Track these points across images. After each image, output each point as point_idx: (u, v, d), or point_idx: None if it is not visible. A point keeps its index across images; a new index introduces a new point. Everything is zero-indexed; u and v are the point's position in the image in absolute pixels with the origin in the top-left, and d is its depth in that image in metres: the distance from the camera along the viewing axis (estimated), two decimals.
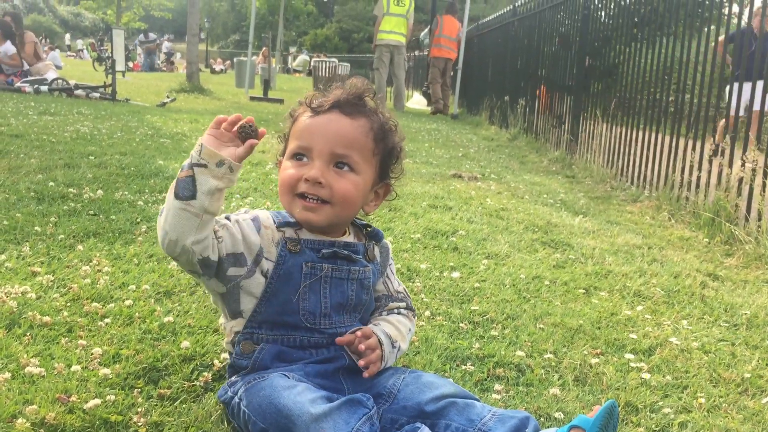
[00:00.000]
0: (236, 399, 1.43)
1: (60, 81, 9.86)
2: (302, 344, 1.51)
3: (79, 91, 9.56)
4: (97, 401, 1.48)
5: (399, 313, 1.69)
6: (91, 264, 2.40)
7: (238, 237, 1.45)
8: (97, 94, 9.60)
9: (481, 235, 3.49)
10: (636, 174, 5.64)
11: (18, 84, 9.59)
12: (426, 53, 15.03)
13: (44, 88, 9.40)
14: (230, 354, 1.56)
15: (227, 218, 1.47)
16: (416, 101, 17.19)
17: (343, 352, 1.53)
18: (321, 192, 1.45)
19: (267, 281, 1.48)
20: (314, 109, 1.51)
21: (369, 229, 1.64)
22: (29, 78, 9.95)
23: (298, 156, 1.49)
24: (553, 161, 7.14)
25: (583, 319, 2.38)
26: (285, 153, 1.55)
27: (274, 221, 1.50)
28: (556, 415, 1.66)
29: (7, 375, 1.56)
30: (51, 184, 3.51)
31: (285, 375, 1.41)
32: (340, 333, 1.54)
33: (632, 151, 5.79)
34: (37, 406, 1.44)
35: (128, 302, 2.09)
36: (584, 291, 2.74)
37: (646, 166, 5.48)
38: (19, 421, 1.39)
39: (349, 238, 1.58)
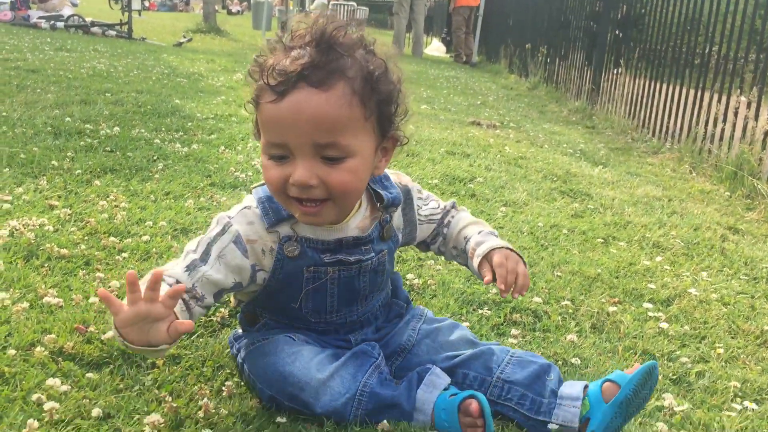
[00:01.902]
0: (239, 359, 1.40)
1: (76, 18, 9.76)
2: (308, 329, 1.40)
3: (95, 29, 9.46)
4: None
5: (456, 217, 1.56)
6: (108, 199, 2.39)
7: (221, 276, 1.25)
8: (113, 32, 9.50)
9: (499, 183, 3.45)
10: (658, 126, 5.54)
11: (34, 20, 9.50)
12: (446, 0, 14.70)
13: (60, 24, 9.31)
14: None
15: (204, 261, 1.25)
16: (435, 48, 16.90)
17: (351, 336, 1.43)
18: (315, 193, 1.20)
19: (264, 288, 1.35)
20: (275, 89, 1.17)
21: (382, 202, 1.38)
22: (45, 14, 9.85)
23: (275, 155, 1.21)
24: (574, 111, 7.02)
25: (601, 268, 2.35)
26: (262, 143, 1.24)
27: (263, 222, 1.29)
28: (573, 360, 1.65)
29: (26, 305, 1.56)
30: (67, 119, 3.49)
31: (290, 337, 1.35)
32: (352, 321, 1.42)
33: (655, 103, 5.67)
34: (56, 336, 1.44)
35: (145, 238, 2.08)
36: (602, 241, 2.71)
37: (669, 118, 5.37)
38: (38, 349, 1.40)
39: (359, 219, 1.35)
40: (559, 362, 1.65)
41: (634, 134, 5.77)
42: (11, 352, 1.38)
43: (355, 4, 19.93)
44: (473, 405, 1.26)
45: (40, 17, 9.64)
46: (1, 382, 1.29)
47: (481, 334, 1.75)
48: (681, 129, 5.16)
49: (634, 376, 1.28)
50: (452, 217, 1.55)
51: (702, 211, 3.46)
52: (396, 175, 1.47)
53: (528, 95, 8.44)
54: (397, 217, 1.45)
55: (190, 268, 1.24)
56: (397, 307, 1.53)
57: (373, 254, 1.37)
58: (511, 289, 1.38)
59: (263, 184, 1.31)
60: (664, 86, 5.54)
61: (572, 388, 1.35)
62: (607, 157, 4.70)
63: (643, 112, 5.90)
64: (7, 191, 2.34)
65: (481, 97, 7.54)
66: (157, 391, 1.33)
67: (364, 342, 1.40)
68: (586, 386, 1.35)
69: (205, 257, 1.25)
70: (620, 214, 3.16)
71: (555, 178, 3.73)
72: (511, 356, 1.40)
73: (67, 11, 10.33)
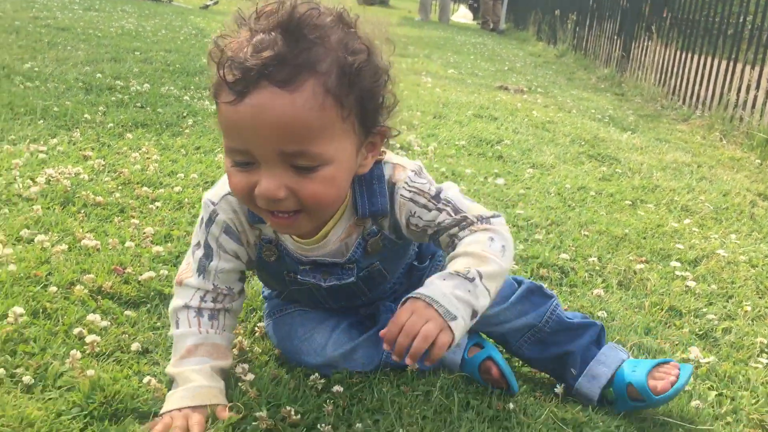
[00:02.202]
0: (265, 323, 1.39)
1: None
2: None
3: None
4: (152, 274, 1.52)
5: (461, 237, 1.16)
6: (140, 152, 2.43)
7: (231, 264, 1.21)
8: None
9: (527, 146, 3.43)
10: (689, 93, 5.45)
11: None
12: None
13: None
14: None
15: (209, 257, 1.20)
16: (462, 15, 16.68)
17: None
18: (286, 205, 1.04)
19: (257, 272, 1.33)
20: (234, 88, 0.98)
21: (363, 215, 1.18)
22: None
23: (239, 161, 1.04)
24: (602, 79, 6.93)
25: (629, 229, 2.35)
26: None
27: (247, 216, 1.19)
28: (600, 314, 1.67)
29: (64, 247, 1.60)
30: (98, 75, 3.53)
31: (304, 314, 1.33)
32: (359, 305, 1.35)
33: (686, 71, 5.57)
34: (94, 276, 1.48)
35: (177, 189, 2.11)
36: (630, 203, 2.70)
37: (700, 85, 5.28)
38: (78, 287, 1.44)
39: (341, 231, 1.19)
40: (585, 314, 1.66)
41: (664, 102, 5.69)
42: (52, 289, 1.42)
43: None
44: (493, 370, 1.28)
45: None
46: (43, 316, 1.33)
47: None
48: (712, 97, 5.08)
49: (663, 399, 1.25)
50: (452, 234, 1.17)
51: (732, 177, 3.42)
52: (394, 168, 1.18)
53: (556, 62, 8.33)
54: (385, 232, 1.23)
55: (201, 270, 1.20)
56: (419, 272, 1.37)
57: (354, 274, 1.23)
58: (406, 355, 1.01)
59: None
60: (696, 56, 5.44)
61: (599, 368, 1.31)
62: (635, 124, 4.65)
63: (673, 80, 5.81)
64: (42, 142, 2.39)
65: (508, 63, 7.46)
66: None
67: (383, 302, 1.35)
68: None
69: (209, 252, 1.20)
70: (648, 178, 3.13)
71: (583, 143, 3.70)
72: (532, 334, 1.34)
73: None
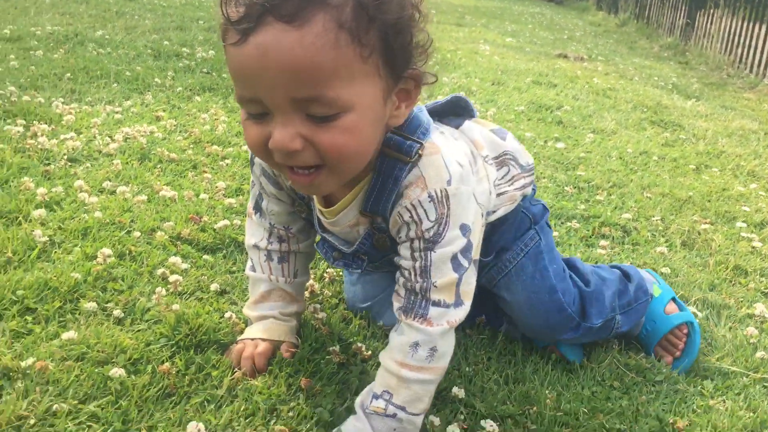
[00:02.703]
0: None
1: None
2: None
3: None
4: (226, 222, 1.59)
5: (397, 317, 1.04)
6: (208, 113, 2.51)
7: (280, 207, 1.19)
8: None
9: (587, 112, 3.40)
10: (756, 61, 5.28)
11: None
12: None
13: None
14: None
15: (261, 196, 1.19)
16: None
17: None
18: (304, 158, 0.91)
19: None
20: (237, 27, 0.87)
21: (364, 210, 1.06)
22: None
23: (252, 112, 0.92)
24: (665, 47, 6.76)
25: (693, 192, 2.33)
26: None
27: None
28: (663, 270, 1.67)
29: (144, 197, 1.69)
30: (165, 43, 3.63)
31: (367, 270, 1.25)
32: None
33: (754, 39, 5.39)
34: (173, 223, 1.57)
35: (245, 147, 2.19)
36: (694, 168, 2.66)
37: None
38: (159, 233, 1.52)
39: (352, 214, 1.07)
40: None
41: (730, 70, 5.53)
42: (136, 234, 1.51)
43: None
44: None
45: None
46: (129, 258, 1.42)
47: (569, 244, 1.79)
48: None
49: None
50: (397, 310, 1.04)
51: None
52: (418, 179, 0.99)
53: (617, 31, 8.14)
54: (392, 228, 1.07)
55: (257, 208, 1.20)
56: (480, 265, 1.18)
57: (362, 267, 1.16)
58: None
59: None
60: (764, 25, 5.25)
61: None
62: (700, 91, 4.54)
63: (740, 49, 5.63)
64: (116, 104, 2.49)
65: (567, 32, 7.33)
66: None
67: None
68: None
69: (260, 192, 1.19)
70: (713, 144, 3.08)
71: (645, 109, 3.65)
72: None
73: None
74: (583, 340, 1.28)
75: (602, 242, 1.81)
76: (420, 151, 0.99)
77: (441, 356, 1.01)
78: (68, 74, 2.76)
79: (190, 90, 2.82)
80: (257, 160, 1.14)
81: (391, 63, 0.92)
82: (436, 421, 1.02)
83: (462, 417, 1.06)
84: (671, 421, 1.11)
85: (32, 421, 0.95)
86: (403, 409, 0.98)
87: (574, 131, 3.00)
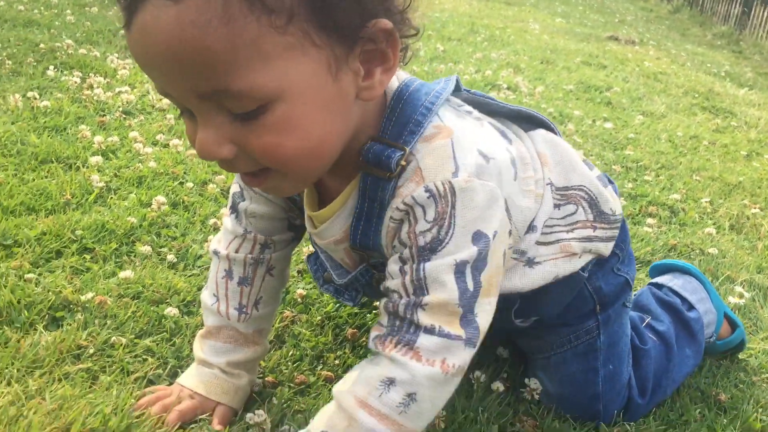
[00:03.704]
0: None
1: None
2: None
3: None
4: None
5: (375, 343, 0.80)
6: None
7: (267, 208, 0.94)
8: None
9: (637, 95, 3.35)
10: None
11: None
12: None
13: None
14: None
15: (242, 196, 0.95)
16: None
17: None
18: (243, 165, 0.73)
19: None
20: (122, 6, 0.68)
21: (353, 245, 0.84)
22: None
23: (180, 110, 0.74)
24: (719, 36, 6.59)
25: (743, 177, 2.28)
26: None
27: None
28: (710, 250, 1.65)
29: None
30: None
31: None
32: None
33: None
34: (224, 177, 1.59)
35: None
36: (746, 154, 2.61)
37: None
38: (210, 186, 1.55)
39: (342, 222, 0.83)
40: (696, 251, 1.66)
41: None
42: (189, 185, 1.54)
43: None
44: None
45: None
46: (182, 208, 1.45)
47: None
48: None
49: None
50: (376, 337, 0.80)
51: None
52: (414, 173, 0.76)
53: (669, 18, 7.96)
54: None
55: (234, 208, 0.96)
56: (506, 314, 0.97)
57: (357, 302, 0.95)
58: None
59: None
60: None
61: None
62: (754, 81, 4.43)
63: None
64: None
65: (618, 15, 7.20)
66: None
67: None
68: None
69: (241, 190, 0.95)
70: (766, 133, 3.01)
71: (696, 95, 3.57)
72: None
73: None
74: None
75: (649, 220, 1.80)
76: (402, 161, 0.75)
77: (419, 412, 0.75)
78: (122, 31, 2.80)
79: None
80: None
81: (331, 23, 0.68)
82: (482, 377, 1.04)
83: (505, 376, 1.07)
84: (713, 393, 1.11)
85: (91, 351, 0.99)
86: None
87: (623, 112, 2.96)
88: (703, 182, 2.18)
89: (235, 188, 0.96)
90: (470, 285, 0.75)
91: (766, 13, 6.24)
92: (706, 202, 2.00)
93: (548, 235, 0.90)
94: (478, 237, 0.74)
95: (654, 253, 1.61)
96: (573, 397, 1.00)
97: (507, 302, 0.89)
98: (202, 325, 0.99)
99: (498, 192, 0.76)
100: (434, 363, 0.74)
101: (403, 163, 0.75)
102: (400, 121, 0.77)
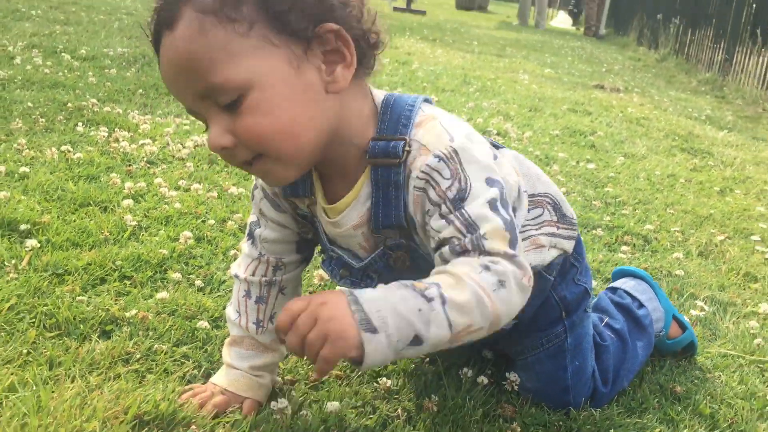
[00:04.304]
0: None
1: None
2: None
3: None
4: None
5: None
6: None
7: (277, 234, 1.12)
8: None
9: (619, 138, 3.57)
10: None
11: None
12: None
13: None
14: None
15: (257, 223, 1.13)
16: (560, 20, 16.63)
17: None
18: (241, 155, 0.92)
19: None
20: (154, 47, 0.93)
21: (376, 229, 1.00)
22: None
23: (197, 120, 0.99)
24: (703, 82, 6.88)
25: (714, 210, 2.48)
26: None
27: (280, 189, 1.08)
28: (678, 272, 1.84)
29: (215, 194, 1.93)
30: None
31: None
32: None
33: None
34: (242, 215, 1.80)
35: None
36: (719, 191, 2.82)
37: None
38: (229, 223, 1.75)
39: (360, 208, 1.00)
40: (664, 272, 1.84)
41: (767, 104, 5.64)
42: (210, 222, 1.74)
43: None
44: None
45: None
46: (205, 242, 1.65)
47: (594, 249, 1.96)
48: None
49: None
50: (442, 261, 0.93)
51: None
52: (419, 149, 0.94)
53: (656, 66, 8.29)
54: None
55: (251, 235, 1.14)
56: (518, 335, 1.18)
57: (374, 287, 0.90)
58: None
59: None
60: None
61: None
62: (734, 123, 4.67)
63: None
64: (184, 117, 2.75)
65: (606, 65, 7.51)
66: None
67: None
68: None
69: (257, 219, 1.13)
70: (740, 171, 3.22)
71: (677, 137, 3.80)
72: None
73: None
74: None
75: (624, 248, 1.99)
76: (406, 148, 0.94)
77: (506, 299, 0.87)
78: (140, 90, 3.04)
79: None
80: (259, 183, 1.10)
81: (285, 28, 0.88)
82: (469, 373, 1.21)
83: (489, 372, 1.25)
84: (671, 386, 1.29)
85: (138, 356, 1.17)
86: (444, 301, 0.84)
87: (605, 154, 3.18)
88: (676, 215, 2.38)
89: (252, 218, 1.15)
90: (506, 215, 0.91)
91: (747, 59, 6.54)
92: (677, 231, 2.19)
93: (522, 233, 1.08)
94: (491, 182, 0.93)
95: None
96: (547, 389, 1.18)
97: None
98: (229, 334, 1.18)
99: (485, 146, 0.97)
100: (516, 272, 0.89)
101: (407, 149, 0.94)
102: (393, 120, 0.97)
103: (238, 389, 1.11)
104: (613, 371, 1.22)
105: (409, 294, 0.85)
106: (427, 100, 1.03)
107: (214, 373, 1.15)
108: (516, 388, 1.20)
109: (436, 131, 0.95)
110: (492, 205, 0.91)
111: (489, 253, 0.88)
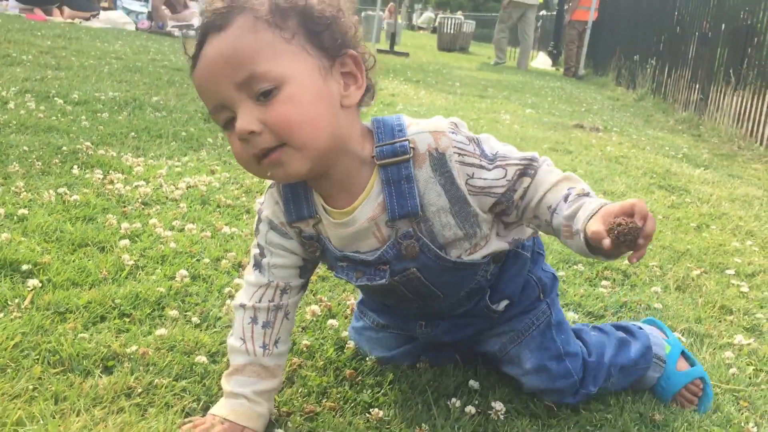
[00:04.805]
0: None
1: None
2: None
3: None
4: None
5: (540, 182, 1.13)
6: None
7: (285, 260, 1.23)
8: None
9: (599, 176, 3.68)
10: (766, 134, 5.56)
11: (168, 29, 10.41)
12: (554, 13, 14.81)
13: (192, 32, 10.09)
14: None
15: (263, 254, 1.23)
16: (541, 61, 16.99)
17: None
18: (265, 140, 1.03)
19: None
20: (193, 58, 1.07)
21: (392, 218, 1.14)
22: (178, 23, 10.76)
23: (225, 119, 1.07)
24: (680, 121, 7.07)
25: (691, 246, 2.57)
26: None
27: (285, 218, 1.20)
28: (656, 305, 1.91)
29: (209, 233, 1.99)
30: None
31: (373, 329, 1.44)
32: (415, 313, 1.34)
33: (764, 114, 5.69)
34: (235, 254, 1.85)
35: None
36: (696, 226, 2.91)
37: None
38: (223, 261, 1.81)
39: (372, 206, 1.14)
40: (642, 306, 1.92)
41: (741, 142, 5.80)
42: (205, 261, 1.80)
43: (462, 17, 20.28)
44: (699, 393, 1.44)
45: (173, 26, 10.55)
46: (201, 280, 1.71)
47: (575, 283, 2.04)
48: None
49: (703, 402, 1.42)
50: (526, 186, 1.13)
51: None
52: (434, 137, 1.12)
53: (634, 106, 8.50)
54: (437, 196, 1.14)
55: (257, 265, 1.23)
56: (488, 311, 1.32)
57: (386, 276, 1.17)
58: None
59: None
60: None
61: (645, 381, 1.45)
62: (710, 161, 4.81)
63: (750, 123, 5.92)
64: (176, 158, 2.83)
65: (585, 105, 7.69)
66: (313, 297, 1.70)
67: (432, 343, 1.40)
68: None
69: (262, 251, 1.23)
70: (716, 207, 3.33)
71: (654, 175, 3.92)
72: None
73: (196, 21, 11.23)
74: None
75: (604, 282, 2.06)
76: (412, 144, 1.12)
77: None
78: (132, 133, 3.11)
79: None
80: (264, 216, 1.22)
81: (319, 44, 1.07)
82: (457, 403, 1.27)
83: (476, 402, 1.30)
84: (650, 414, 1.35)
85: (139, 390, 1.22)
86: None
87: None
88: (654, 250, 2.47)
89: (255, 251, 1.24)
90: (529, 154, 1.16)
91: (722, 98, 6.74)
92: (656, 266, 2.27)
93: None
94: (486, 136, 1.18)
95: (606, 308, 1.87)
96: (544, 362, 1.31)
97: (481, 291, 1.27)
98: (228, 367, 1.23)
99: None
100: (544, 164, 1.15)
101: (412, 146, 1.12)
102: (387, 130, 1.14)
103: (238, 418, 1.16)
104: (595, 349, 1.37)
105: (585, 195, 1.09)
106: None
107: (213, 406, 1.20)
108: (502, 417, 1.25)
109: (431, 123, 1.15)
110: (518, 153, 1.16)
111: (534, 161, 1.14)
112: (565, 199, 1.09)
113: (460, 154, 1.12)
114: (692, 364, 1.48)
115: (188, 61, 1.08)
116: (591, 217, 1.01)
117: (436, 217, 1.14)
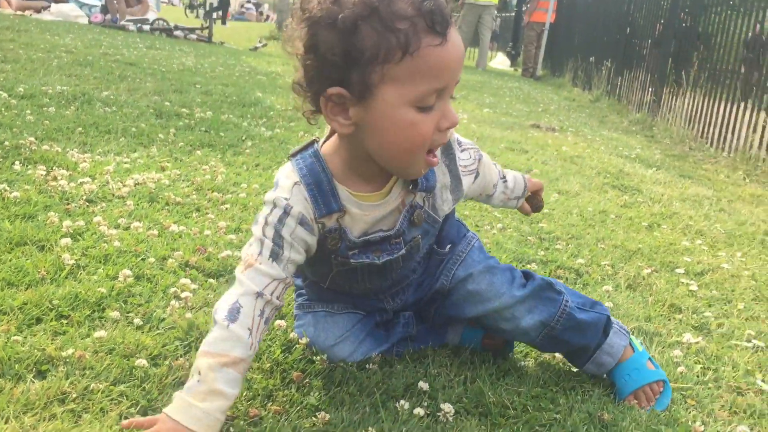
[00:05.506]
0: (296, 313, 1.52)
1: (161, 21, 10.41)
2: (343, 292, 1.45)
3: (178, 32, 10.08)
4: (229, 252, 1.83)
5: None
6: (208, 165, 2.77)
7: (301, 256, 1.25)
8: (194, 36, 10.11)
9: (554, 175, 3.71)
10: (715, 136, 5.68)
11: (122, 22, 10.19)
12: (512, 14, 14.93)
13: (146, 27, 9.95)
14: None
15: (280, 246, 1.21)
16: (499, 62, 17.13)
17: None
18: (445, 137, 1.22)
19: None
20: (439, 32, 1.10)
21: (420, 189, 1.30)
22: (132, 18, 10.54)
23: (427, 105, 1.12)
24: (634, 122, 7.18)
25: (643, 245, 2.60)
26: (399, 98, 1.11)
27: (314, 213, 1.24)
28: (607, 304, 1.92)
29: (155, 232, 1.93)
30: (166, 104, 3.93)
31: (327, 314, 1.45)
32: (385, 287, 1.43)
33: (714, 116, 5.81)
34: (182, 253, 1.80)
35: (242, 195, 2.44)
36: (647, 226, 2.95)
37: (727, 129, 5.52)
38: (170, 261, 1.76)
39: (400, 190, 1.29)
40: None
41: (692, 143, 5.92)
42: (150, 260, 1.74)
43: None
44: (496, 338, 1.55)
45: (128, 20, 10.33)
46: (145, 280, 1.65)
47: None
48: (738, 139, 5.31)
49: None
50: (480, 167, 1.47)
51: (750, 210, 3.64)
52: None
53: (590, 106, 8.61)
54: (442, 174, 1.33)
55: (274, 256, 1.20)
56: (438, 256, 1.46)
57: (402, 246, 1.34)
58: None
59: (302, 150, 1.28)
60: (723, 103, 5.69)
61: (605, 358, 1.48)
62: (662, 162, 4.89)
63: (701, 124, 6.05)
64: (125, 155, 2.75)
65: (542, 105, 7.77)
66: None
67: (401, 313, 1.50)
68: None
69: (279, 242, 1.20)
70: (668, 207, 3.38)
71: (608, 175, 3.96)
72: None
73: (152, 16, 11.02)
74: (538, 313, 1.39)
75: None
76: None
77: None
78: (80, 128, 3.02)
79: (191, 145, 3.08)
80: (296, 211, 1.21)
81: None
82: (406, 405, 1.25)
83: (425, 404, 1.28)
84: (599, 414, 1.34)
85: (74, 395, 1.17)
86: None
87: None
88: (606, 249, 2.48)
89: (267, 242, 1.20)
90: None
91: (674, 100, 6.86)
92: (607, 265, 2.29)
93: None
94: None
95: None
96: (489, 261, 1.45)
97: (431, 238, 1.40)
98: (180, 368, 1.19)
99: None
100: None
101: None
102: None
103: (201, 429, 1.05)
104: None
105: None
106: None
107: (151, 412, 1.15)
108: (450, 419, 1.23)
109: None
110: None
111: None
112: (502, 177, 1.61)
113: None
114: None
115: (423, 28, 1.08)
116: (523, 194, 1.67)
117: (439, 193, 1.34)
